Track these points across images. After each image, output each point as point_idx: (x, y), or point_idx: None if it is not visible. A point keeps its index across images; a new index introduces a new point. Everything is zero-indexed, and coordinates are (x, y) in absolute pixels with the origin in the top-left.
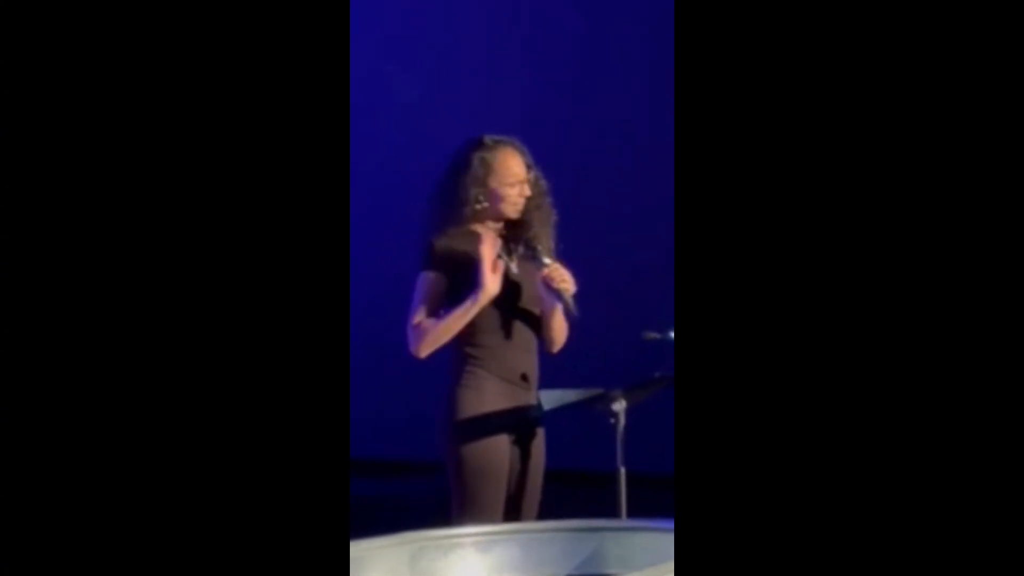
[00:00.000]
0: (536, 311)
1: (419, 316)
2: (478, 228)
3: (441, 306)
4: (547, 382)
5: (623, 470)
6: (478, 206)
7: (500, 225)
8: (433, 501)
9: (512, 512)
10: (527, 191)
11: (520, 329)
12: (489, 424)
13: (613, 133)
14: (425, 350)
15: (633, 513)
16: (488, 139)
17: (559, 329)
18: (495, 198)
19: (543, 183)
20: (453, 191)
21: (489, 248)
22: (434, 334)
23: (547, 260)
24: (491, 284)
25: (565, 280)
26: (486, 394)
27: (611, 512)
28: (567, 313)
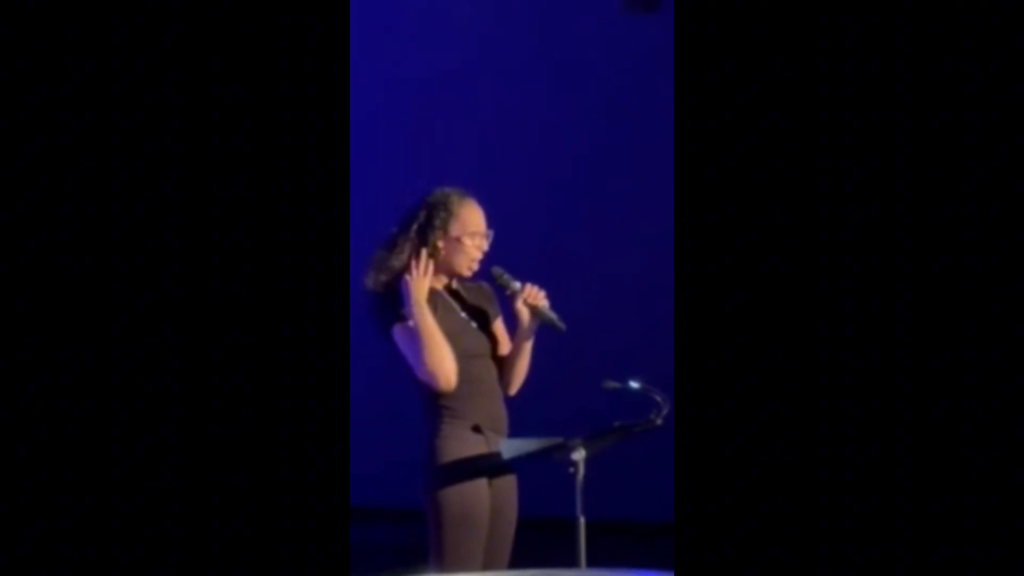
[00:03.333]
0: (499, 354)
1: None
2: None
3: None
4: (507, 431)
5: (583, 519)
6: (440, 252)
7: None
8: (406, 548)
9: (486, 559)
10: (485, 246)
11: (488, 375)
12: (469, 471)
13: (580, 184)
14: (447, 378)
15: (592, 561)
16: (451, 189)
17: (522, 369)
18: (454, 248)
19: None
20: (414, 237)
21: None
22: (434, 354)
23: (517, 284)
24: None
25: (540, 297)
26: (464, 442)
27: (570, 559)
28: (555, 328)
